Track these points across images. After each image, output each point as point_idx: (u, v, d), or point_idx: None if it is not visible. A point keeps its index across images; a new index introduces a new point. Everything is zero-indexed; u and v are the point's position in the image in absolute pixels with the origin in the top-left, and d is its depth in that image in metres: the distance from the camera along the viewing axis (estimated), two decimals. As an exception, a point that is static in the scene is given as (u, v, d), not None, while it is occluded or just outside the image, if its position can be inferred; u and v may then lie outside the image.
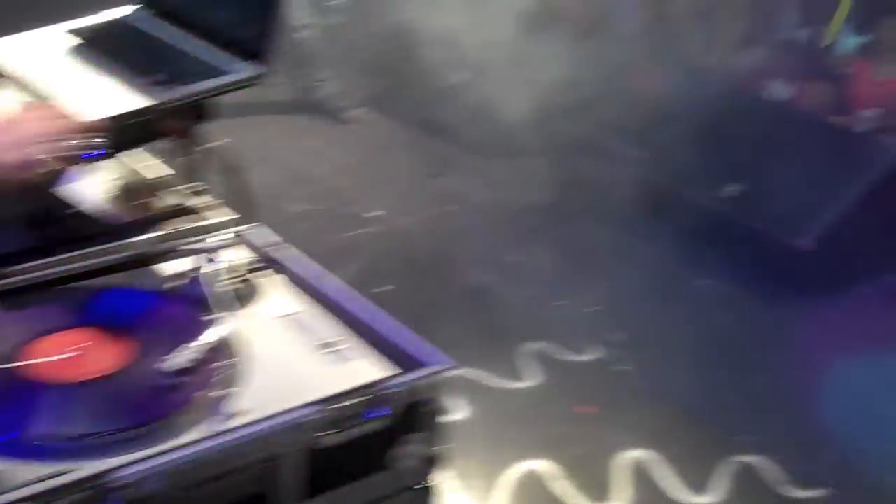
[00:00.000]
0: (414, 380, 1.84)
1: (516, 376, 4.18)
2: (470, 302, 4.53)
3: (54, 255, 2.04)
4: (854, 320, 4.59)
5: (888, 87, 6.79)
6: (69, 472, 1.59)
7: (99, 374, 1.78)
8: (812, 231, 4.62)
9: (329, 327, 1.97)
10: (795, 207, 4.69)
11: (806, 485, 3.76)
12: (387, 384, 1.82)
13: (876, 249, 4.84)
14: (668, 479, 3.73)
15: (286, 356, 1.90)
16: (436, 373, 1.86)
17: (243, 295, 2.01)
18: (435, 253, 4.89)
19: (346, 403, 1.77)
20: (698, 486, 3.73)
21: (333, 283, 2.07)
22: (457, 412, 3.92)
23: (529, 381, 4.17)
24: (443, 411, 1.89)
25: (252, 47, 2.17)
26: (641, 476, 3.74)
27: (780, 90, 7.11)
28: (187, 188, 2.24)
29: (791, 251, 4.64)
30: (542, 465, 3.73)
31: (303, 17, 6.06)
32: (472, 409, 3.96)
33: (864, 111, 6.57)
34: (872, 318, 4.62)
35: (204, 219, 2.20)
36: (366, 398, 1.79)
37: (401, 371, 1.87)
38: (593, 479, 3.70)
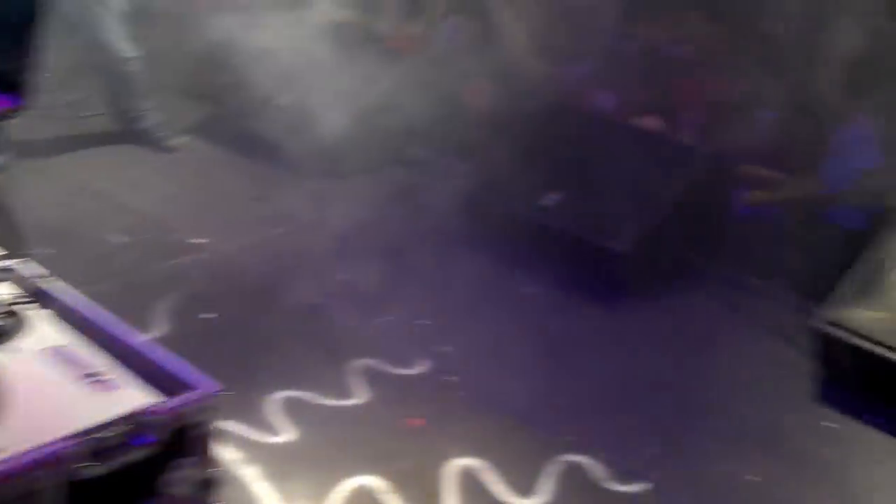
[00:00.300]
0: (178, 406, 1.84)
1: (345, 394, 4.18)
2: (298, 323, 4.52)
3: None
4: (671, 318, 4.74)
5: (706, 92, 7.04)
6: None
7: None
8: (628, 235, 4.75)
9: (96, 358, 1.96)
10: (613, 212, 4.82)
11: (629, 479, 3.85)
12: (150, 411, 1.81)
13: (690, 249, 5.02)
14: (496, 485, 3.78)
15: (50, 389, 1.88)
16: (202, 397, 1.86)
17: (7, 329, 1.98)
18: (262, 277, 4.86)
19: (107, 434, 1.76)
20: (526, 489, 3.78)
21: (101, 315, 2.05)
22: (285, 434, 3.91)
23: (358, 398, 4.17)
24: (214, 434, 1.89)
25: (7, 80, 2.14)
26: (470, 484, 3.78)
27: (604, 99, 7.31)
28: (-47, 226, 2.20)
29: (609, 255, 4.76)
30: (371, 481, 3.74)
31: (124, 49, 5.98)
32: (300, 430, 3.95)
33: (684, 117, 6.80)
34: (688, 315, 4.78)
35: (-30, 256, 2.16)
36: (128, 427, 1.78)
37: (167, 398, 1.87)
38: (423, 491, 3.72)
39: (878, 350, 4.14)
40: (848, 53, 6.82)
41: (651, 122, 6.04)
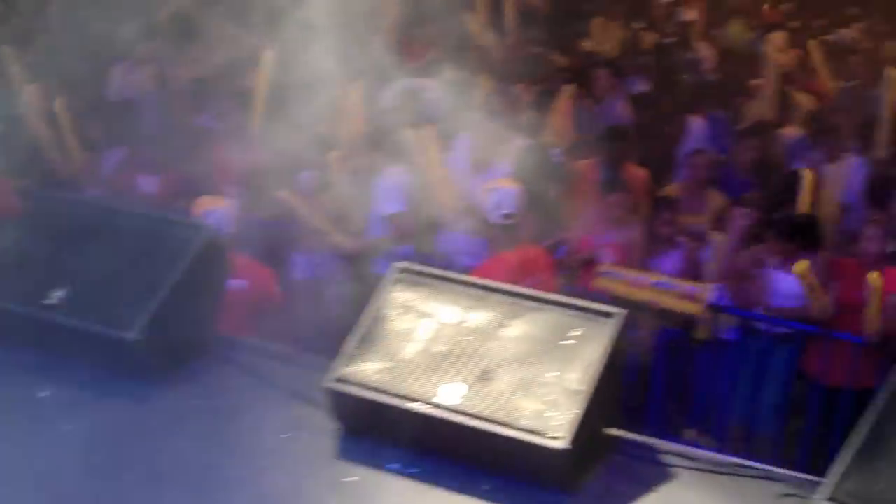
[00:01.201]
0: None
1: None
2: None
3: None
4: (195, 398, 4.69)
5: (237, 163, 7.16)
6: None
7: None
8: (139, 322, 4.63)
9: None
10: (120, 301, 4.70)
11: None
12: None
13: (210, 326, 5.01)
14: None
15: None
16: None
17: None
18: None
19: None
20: None
21: None
22: None
23: None
24: None
25: None
26: None
27: (142, 182, 7.27)
28: None
29: (124, 345, 4.64)
30: None
31: None
32: None
33: (222, 189, 6.86)
34: (212, 391, 4.75)
35: None
36: None
37: None
38: None
39: (382, 398, 4.28)
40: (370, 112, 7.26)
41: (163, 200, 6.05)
